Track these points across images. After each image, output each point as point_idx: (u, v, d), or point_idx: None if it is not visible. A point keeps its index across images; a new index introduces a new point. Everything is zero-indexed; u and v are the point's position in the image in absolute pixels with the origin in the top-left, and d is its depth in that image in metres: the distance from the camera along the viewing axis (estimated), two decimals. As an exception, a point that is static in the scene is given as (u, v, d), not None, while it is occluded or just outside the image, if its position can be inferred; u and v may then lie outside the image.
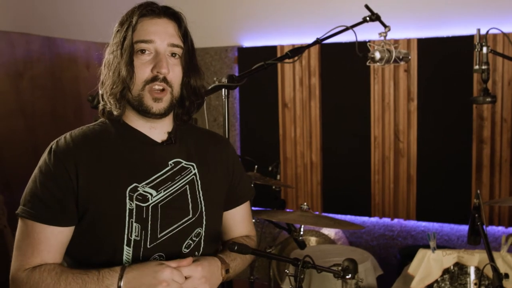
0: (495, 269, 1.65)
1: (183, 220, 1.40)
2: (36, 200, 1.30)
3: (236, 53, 4.27)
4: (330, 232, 3.88)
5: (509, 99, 3.49)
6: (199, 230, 1.44)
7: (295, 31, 4.05)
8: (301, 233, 2.48)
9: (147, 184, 1.34)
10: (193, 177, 1.43)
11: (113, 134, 1.37)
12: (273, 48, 4.04)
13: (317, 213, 4.02)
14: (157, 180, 1.36)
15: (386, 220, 3.92)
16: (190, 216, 1.41)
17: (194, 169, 1.44)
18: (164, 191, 1.37)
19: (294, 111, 4.07)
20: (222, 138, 1.60)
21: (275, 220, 2.52)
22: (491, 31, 2.42)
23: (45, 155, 1.33)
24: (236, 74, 3.68)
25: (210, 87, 1.97)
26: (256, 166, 3.15)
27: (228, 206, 1.58)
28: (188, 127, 1.49)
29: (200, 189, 1.44)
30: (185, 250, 1.41)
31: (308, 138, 4.04)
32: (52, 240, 1.30)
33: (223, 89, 2.00)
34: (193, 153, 1.45)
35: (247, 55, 4.18)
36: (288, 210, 3.86)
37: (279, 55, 3.87)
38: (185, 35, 1.39)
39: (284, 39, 4.07)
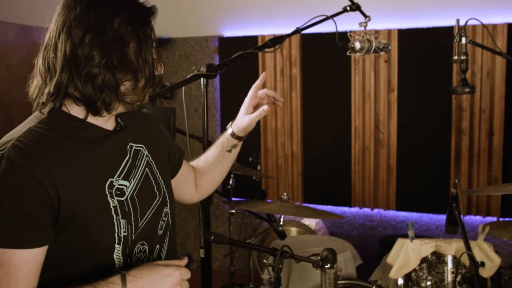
0: (471, 257, 1.66)
1: (154, 203, 1.39)
2: (3, 223, 1.13)
3: (216, 43, 4.24)
4: (310, 222, 3.89)
5: (488, 90, 3.52)
6: (166, 209, 1.44)
7: (276, 21, 4.03)
8: (281, 223, 2.48)
9: (119, 176, 1.30)
10: (147, 159, 1.41)
11: (69, 130, 1.25)
12: (254, 38, 4.02)
13: (297, 203, 4.02)
14: (125, 170, 1.32)
15: (366, 210, 3.94)
16: (158, 197, 1.41)
17: (145, 151, 1.42)
18: (133, 179, 1.34)
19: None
20: (148, 114, 1.56)
21: (255, 211, 2.52)
22: (471, 22, 2.44)
23: (1, 169, 1.13)
24: (217, 64, 3.66)
25: (188, 76, 1.95)
26: (236, 157, 3.14)
27: (173, 172, 1.60)
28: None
29: (156, 169, 1.43)
30: (160, 232, 1.41)
31: (289, 129, 4.04)
32: (31, 264, 1.16)
33: (202, 79, 1.98)
34: (137, 134, 1.41)
35: (228, 45, 4.16)
36: (268, 200, 3.86)
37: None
38: None
39: (265, 29, 4.05)
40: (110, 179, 1.28)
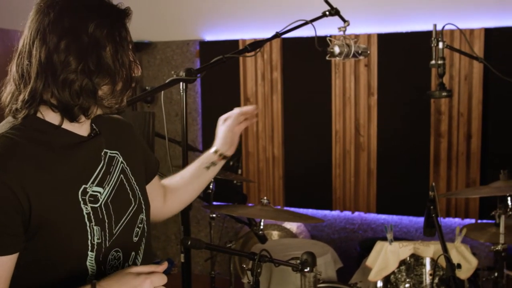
0: (448, 259, 1.68)
1: (129, 210, 1.38)
2: None
3: (197, 47, 4.23)
4: (292, 226, 3.90)
5: (466, 94, 3.57)
6: (142, 216, 1.43)
7: (257, 25, 4.04)
8: (261, 227, 2.49)
9: (92, 183, 1.29)
10: (122, 165, 1.40)
11: (42, 137, 1.23)
12: (235, 42, 4.03)
13: (279, 207, 4.03)
14: (99, 177, 1.31)
15: (347, 213, 3.96)
16: (133, 204, 1.40)
17: (119, 157, 1.40)
18: (107, 186, 1.32)
19: (256, 105, 4.06)
20: (124, 120, 1.55)
21: (235, 215, 2.52)
22: (449, 27, 2.48)
23: None
24: (196, 68, 3.65)
25: (167, 81, 1.94)
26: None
27: (147, 180, 1.60)
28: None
29: (131, 176, 1.42)
30: (135, 238, 1.40)
31: (270, 132, 4.05)
32: (1, 272, 1.15)
33: (181, 83, 1.97)
34: (111, 140, 1.40)
35: (209, 49, 4.15)
36: (249, 204, 3.86)
37: (240, 49, 3.86)
38: None
39: (246, 33, 4.06)
40: (83, 186, 1.27)
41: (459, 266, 1.71)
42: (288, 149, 4.05)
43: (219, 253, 3.31)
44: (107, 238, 1.29)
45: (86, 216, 1.25)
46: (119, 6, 1.29)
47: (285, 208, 4.04)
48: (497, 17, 3.49)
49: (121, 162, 1.40)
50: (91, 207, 1.26)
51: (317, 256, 1.92)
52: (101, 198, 1.30)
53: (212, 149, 1.75)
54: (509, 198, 2.44)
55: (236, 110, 1.79)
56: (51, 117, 1.25)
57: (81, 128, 1.30)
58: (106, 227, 1.29)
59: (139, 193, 1.44)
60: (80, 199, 1.25)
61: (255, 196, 4.13)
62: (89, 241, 1.25)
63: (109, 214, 1.31)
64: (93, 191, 1.28)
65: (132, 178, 1.42)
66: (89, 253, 1.25)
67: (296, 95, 3.99)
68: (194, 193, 1.77)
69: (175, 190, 1.72)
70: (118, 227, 1.33)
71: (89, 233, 1.25)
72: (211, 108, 4.23)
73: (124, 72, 1.25)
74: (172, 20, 4.34)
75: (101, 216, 1.28)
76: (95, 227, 1.26)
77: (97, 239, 1.26)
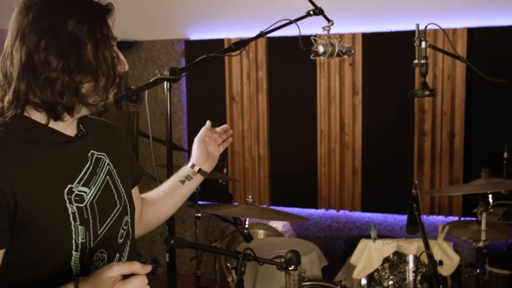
0: (430, 256, 1.71)
1: (114, 212, 1.38)
2: None
3: (183, 46, 4.23)
4: (278, 224, 3.91)
5: (449, 93, 3.61)
6: (127, 218, 1.43)
7: (243, 24, 4.04)
8: (246, 226, 2.49)
9: (78, 182, 1.29)
10: (109, 167, 1.40)
11: (30, 135, 1.23)
12: (221, 41, 4.03)
13: (264, 206, 4.04)
14: (86, 177, 1.31)
15: (332, 211, 3.99)
16: (118, 206, 1.40)
17: (106, 159, 1.40)
18: (93, 186, 1.32)
19: (242, 104, 4.07)
20: (112, 124, 1.55)
21: (220, 214, 2.53)
22: (432, 27, 2.50)
23: None
24: (181, 67, 3.65)
25: (151, 80, 1.94)
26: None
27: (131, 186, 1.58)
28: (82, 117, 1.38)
29: (117, 177, 1.42)
30: (120, 240, 1.40)
31: (256, 132, 4.06)
32: None
33: (165, 82, 1.97)
34: (99, 142, 1.40)
35: (194, 48, 4.15)
36: (235, 203, 3.87)
37: (226, 48, 3.86)
38: None
39: (232, 33, 4.06)
40: (69, 185, 1.27)
41: (441, 263, 1.73)
42: (273, 148, 4.06)
43: (204, 252, 3.32)
44: (92, 239, 1.29)
45: (71, 215, 1.25)
46: (100, 2, 1.29)
47: (271, 207, 4.05)
48: (479, 17, 3.53)
49: (108, 164, 1.40)
50: (77, 206, 1.26)
51: (302, 254, 1.94)
52: (86, 198, 1.30)
53: (189, 164, 1.73)
54: (490, 196, 2.48)
55: (208, 123, 1.76)
56: (37, 116, 1.25)
57: (68, 128, 1.30)
58: (91, 227, 1.29)
59: (125, 195, 1.44)
60: (66, 198, 1.25)
61: (241, 195, 4.14)
62: (73, 240, 1.25)
63: (94, 215, 1.31)
64: (79, 191, 1.28)
65: (118, 180, 1.42)
66: (74, 252, 1.25)
67: (281, 94, 4.00)
68: (170, 207, 1.74)
69: (151, 204, 1.70)
70: (103, 228, 1.33)
71: (73, 232, 1.25)
72: (196, 107, 4.23)
73: (106, 68, 1.25)
74: (157, 19, 4.33)
75: (86, 216, 1.28)
76: (79, 227, 1.26)
77: (82, 239, 1.26)
